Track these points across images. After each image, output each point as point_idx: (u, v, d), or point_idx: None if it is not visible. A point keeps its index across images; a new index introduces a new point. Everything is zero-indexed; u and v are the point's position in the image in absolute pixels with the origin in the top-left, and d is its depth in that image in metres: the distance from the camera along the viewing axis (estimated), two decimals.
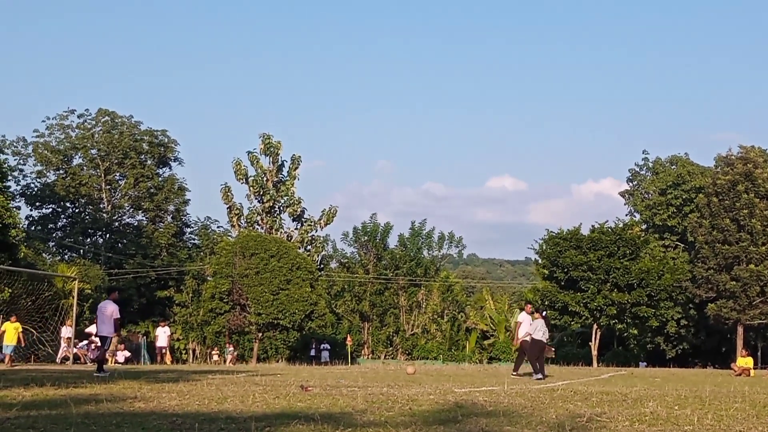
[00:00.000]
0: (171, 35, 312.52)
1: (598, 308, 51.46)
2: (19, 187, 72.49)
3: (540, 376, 22.97)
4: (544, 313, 26.52)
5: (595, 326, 53.05)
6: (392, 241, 74.36)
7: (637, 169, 75.52)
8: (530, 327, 24.37)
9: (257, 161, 62.66)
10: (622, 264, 51.51)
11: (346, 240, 74.00)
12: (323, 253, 66.82)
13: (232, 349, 52.21)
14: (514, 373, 24.53)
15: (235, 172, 62.16)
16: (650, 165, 74.27)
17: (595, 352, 53.12)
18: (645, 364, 56.03)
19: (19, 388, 13.73)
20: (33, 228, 71.24)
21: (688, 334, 62.83)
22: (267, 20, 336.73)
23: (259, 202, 62.51)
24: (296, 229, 63.04)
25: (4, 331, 31.34)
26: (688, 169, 69.03)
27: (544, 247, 55.35)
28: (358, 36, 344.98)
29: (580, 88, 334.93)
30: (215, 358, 57.76)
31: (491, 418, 9.30)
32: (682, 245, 67.26)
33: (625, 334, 61.79)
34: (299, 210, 62.99)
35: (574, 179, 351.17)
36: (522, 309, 25.82)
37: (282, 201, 62.68)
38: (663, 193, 69.49)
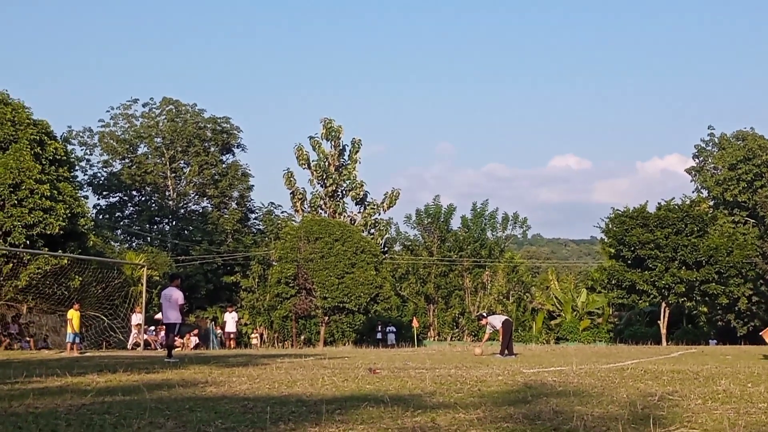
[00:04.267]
0: (232, 24, 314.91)
1: (667, 286, 50.88)
2: (86, 177, 73.81)
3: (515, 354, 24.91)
4: (485, 314, 28.54)
5: (663, 304, 52.49)
6: (455, 224, 74.23)
7: (703, 145, 74.29)
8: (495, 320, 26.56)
9: (319, 146, 62.89)
10: (690, 241, 50.84)
11: (409, 223, 74.03)
12: (387, 236, 66.88)
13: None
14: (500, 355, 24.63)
15: (297, 157, 62.51)
16: (716, 140, 73.01)
17: (664, 331, 52.53)
18: (715, 341, 55.26)
19: (93, 374, 13.96)
20: (101, 217, 72.35)
21: (759, 310, 61.69)
22: (327, 6, 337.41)
23: (321, 186, 62.78)
24: (359, 212, 63.22)
25: (71, 319, 31.57)
26: (759, 143, 67.77)
27: (610, 226, 54.85)
28: (416, 19, 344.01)
29: (643, 63, 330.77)
30: (254, 341, 58.34)
31: (561, 398, 9.23)
32: (753, 221, 66.11)
33: (695, 312, 60.99)
34: (362, 194, 63.11)
35: (639, 156, 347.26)
36: None
37: (344, 185, 62.86)
38: (733, 168, 68.32)
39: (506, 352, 24.74)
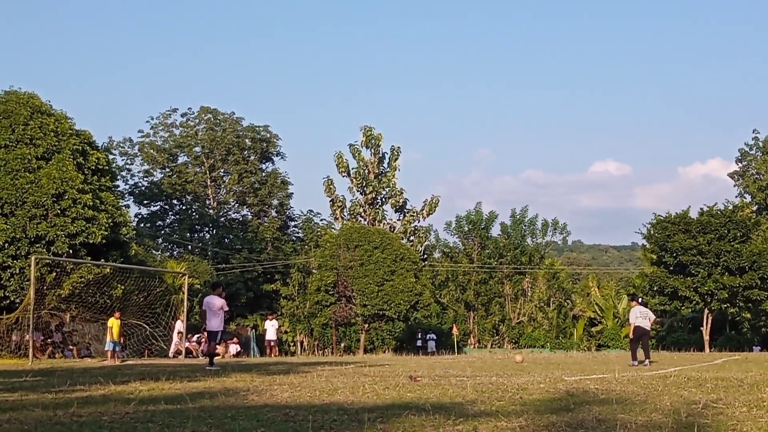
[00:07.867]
0: (271, 32, 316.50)
1: (709, 292, 50.33)
2: (127, 187, 74.56)
3: (634, 363, 22.79)
4: (640, 299, 26.05)
5: (706, 311, 51.94)
6: (495, 231, 73.98)
7: (747, 149, 73.40)
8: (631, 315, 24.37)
9: (359, 154, 63.04)
10: (733, 247, 50.28)
11: (448, 230, 73.90)
12: (426, 243, 66.87)
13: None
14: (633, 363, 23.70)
15: (336, 165, 62.71)
16: (761, 144, 72.10)
17: (707, 337, 51.99)
18: (759, 348, 54.56)
19: (136, 382, 14.08)
20: (142, 226, 72.96)
21: None
22: (364, 14, 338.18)
23: (361, 194, 62.90)
24: (399, 220, 63.28)
25: (111, 327, 31.62)
26: None
27: (652, 232, 54.40)
28: (453, 26, 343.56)
29: (683, 65, 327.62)
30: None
31: (604, 406, 9.17)
32: None
33: (738, 318, 60.23)
34: (401, 201, 63.18)
35: (681, 161, 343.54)
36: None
37: (384, 192, 62.94)
38: None
39: (636, 362, 23.01)
